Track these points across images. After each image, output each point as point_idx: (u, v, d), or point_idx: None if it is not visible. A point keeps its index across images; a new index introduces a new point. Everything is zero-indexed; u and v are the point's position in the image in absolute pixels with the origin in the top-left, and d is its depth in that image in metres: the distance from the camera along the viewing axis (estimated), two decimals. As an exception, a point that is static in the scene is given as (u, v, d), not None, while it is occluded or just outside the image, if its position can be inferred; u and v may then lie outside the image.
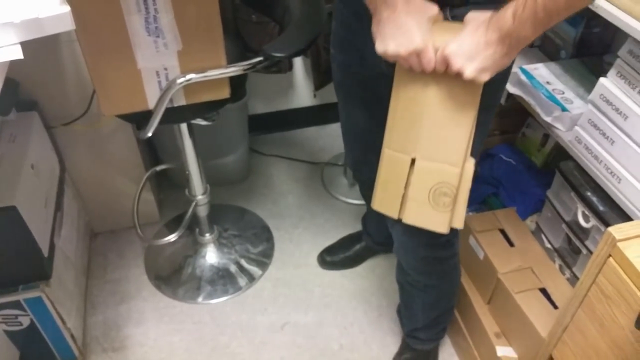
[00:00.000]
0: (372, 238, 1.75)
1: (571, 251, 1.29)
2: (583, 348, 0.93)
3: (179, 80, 1.13)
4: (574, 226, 1.27)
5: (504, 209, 1.44)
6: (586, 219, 1.22)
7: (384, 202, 1.01)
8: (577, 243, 1.26)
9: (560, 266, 1.33)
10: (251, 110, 2.21)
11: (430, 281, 1.26)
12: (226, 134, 1.95)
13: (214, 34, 1.10)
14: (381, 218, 1.63)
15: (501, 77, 0.93)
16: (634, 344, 0.81)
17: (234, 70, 1.17)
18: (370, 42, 1.02)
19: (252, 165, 2.18)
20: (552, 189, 1.34)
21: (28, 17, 0.87)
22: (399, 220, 1.03)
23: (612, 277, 0.84)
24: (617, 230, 0.84)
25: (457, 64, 0.83)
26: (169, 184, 2.03)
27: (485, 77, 0.84)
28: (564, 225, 1.30)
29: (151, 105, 1.17)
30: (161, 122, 1.21)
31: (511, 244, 1.35)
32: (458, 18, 0.91)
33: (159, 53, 1.09)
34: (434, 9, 0.87)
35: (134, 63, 1.09)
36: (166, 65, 1.12)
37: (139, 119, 1.24)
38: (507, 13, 0.79)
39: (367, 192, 1.56)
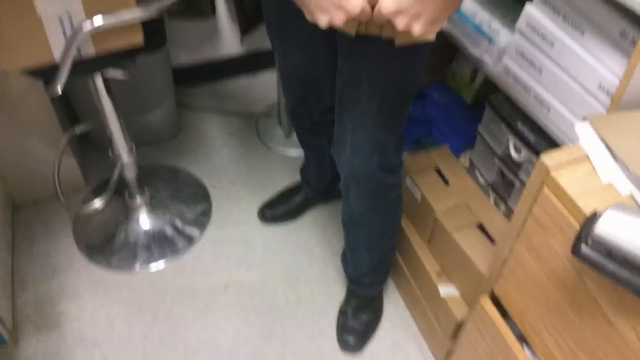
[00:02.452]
0: (312, 187, 1.72)
1: (505, 185, 1.30)
2: (523, 280, 0.93)
3: (86, 28, 1.03)
4: (506, 159, 1.27)
5: (438, 148, 1.43)
6: (518, 151, 1.22)
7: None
8: (511, 176, 1.27)
9: (495, 200, 1.34)
10: (175, 61, 2.09)
11: (376, 215, 1.24)
12: (149, 88, 1.84)
13: None
14: (321, 166, 1.61)
15: None
16: (570, 271, 0.82)
17: (145, 11, 1.07)
18: None
19: (182, 121, 2.08)
20: (483, 124, 1.34)
21: None
22: (347, 144, 1.05)
23: (546, 206, 0.83)
24: (549, 157, 0.83)
25: (400, 24, 0.73)
26: (92, 147, 1.92)
27: (436, 29, 0.75)
28: (496, 160, 1.30)
29: (56, 56, 1.07)
30: (71, 75, 1.11)
31: (446, 182, 1.34)
32: None
33: None
34: None
35: (33, 9, 0.99)
36: (69, 8, 1.01)
37: (47, 75, 1.13)
38: None
39: (305, 139, 1.53)
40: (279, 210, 1.77)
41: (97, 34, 1.06)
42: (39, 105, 1.56)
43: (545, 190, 0.83)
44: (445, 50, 1.58)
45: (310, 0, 0.77)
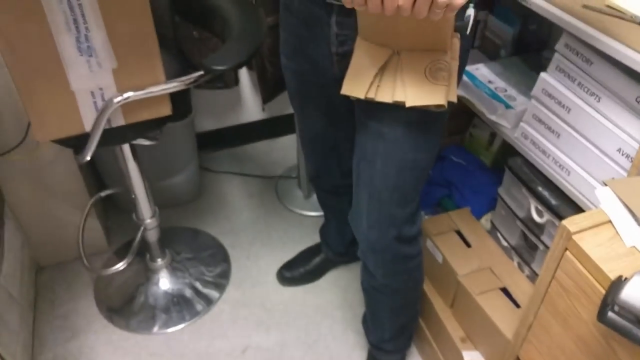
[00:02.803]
0: (332, 249, 1.72)
1: (528, 248, 1.29)
2: (549, 346, 0.91)
3: (116, 100, 1.08)
4: (528, 222, 1.27)
5: (459, 210, 1.44)
6: (540, 214, 1.22)
7: (354, 86, 0.94)
8: (533, 239, 1.26)
9: (519, 264, 1.33)
10: (199, 127, 2.16)
11: (396, 283, 1.23)
12: (173, 153, 1.88)
13: (150, 49, 1.06)
14: (341, 227, 1.62)
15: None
16: (598, 337, 0.80)
17: (174, 86, 1.12)
18: (320, 48, 1.01)
19: (204, 183, 2.12)
20: (503, 187, 1.35)
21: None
22: (364, 217, 1.05)
23: (570, 271, 0.83)
24: (571, 222, 0.83)
25: None
26: (116, 210, 1.95)
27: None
28: (518, 222, 1.30)
29: (87, 127, 1.11)
30: (100, 144, 1.14)
31: (468, 245, 1.34)
32: None
33: (93, 73, 1.04)
34: None
35: (67, 85, 1.03)
36: (101, 85, 1.06)
37: (77, 143, 1.18)
38: None
39: (326, 200, 1.54)
40: (298, 271, 1.76)
41: (127, 106, 1.10)
42: (67, 170, 1.60)
43: (568, 254, 0.83)
44: (463, 114, 1.61)
45: None
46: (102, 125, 1.11)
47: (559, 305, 0.87)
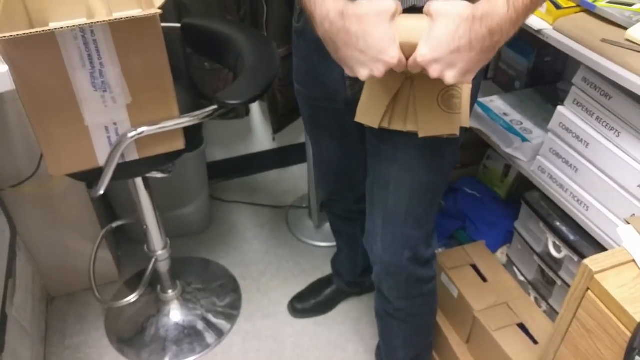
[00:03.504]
0: (343, 279, 1.70)
1: (545, 283, 1.27)
2: (569, 387, 0.89)
3: (130, 135, 1.08)
4: (545, 257, 1.25)
5: (473, 243, 1.42)
6: (557, 249, 1.21)
7: (368, 115, 0.95)
8: (551, 274, 1.24)
9: (536, 299, 1.31)
10: (210, 157, 2.16)
11: (411, 308, 1.21)
12: (184, 184, 1.88)
13: (164, 84, 1.06)
14: (353, 255, 1.61)
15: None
16: (622, 381, 0.78)
17: (188, 120, 1.12)
18: (332, 72, 1.01)
19: (214, 213, 2.12)
20: (520, 221, 1.33)
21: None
22: (378, 239, 1.06)
23: (592, 311, 0.81)
24: (593, 262, 0.82)
25: (435, 72, 0.73)
26: (127, 240, 1.95)
27: (469, 78, 0.76)
28: (535, 257, 1.29)
29: (101, 162, 1.11)
30: (114, 178, 1.14)
31: (484, 279, 1.32)
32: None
33: (107, 108, 1.04)
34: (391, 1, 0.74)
35: (81, 120, 1.04)
36: (115, 119, 1.06)
37: (90, 177, 1.18)
38: (498, 3, 0.70)
39: (339, 227, 1.54)
40: (309, 303, 1.74)
41: (141, 141, 1.11)
42: (79, 201, 1.61)
43: (591, 295, 0.81)
44: (476, 146, 1.61)
45: (350, 57, 0.77)
46: (116, 160, 1.11)
47: (581, 345, 0.86)
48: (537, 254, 1.28)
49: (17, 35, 0.87)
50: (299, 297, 1.76)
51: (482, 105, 1.40)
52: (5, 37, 0.85)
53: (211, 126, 2.06)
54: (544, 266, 1.26)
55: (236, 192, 2.23)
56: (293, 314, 1.74)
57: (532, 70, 1.47)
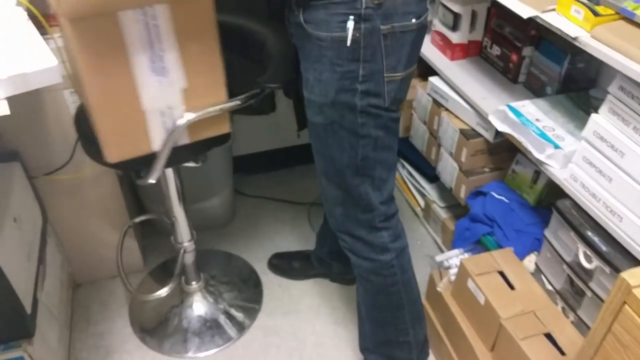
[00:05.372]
0: (315, 253, 1.81)
1: (574, 293, 1.26)
2: (600, 400, 0.88)
3: (188, 118, 1.10)
4: (575, 267, 1.24)
5: (501, 250, 1.41)
6: (588, 260, 1.19)
7: None
8: (580, 285, 1.23)
9: (564, 309, 1.30)
10: (235, 151, 2.17)
11: (366, 273, 1.29)
12: (211, 176, 1.90)
13: (216, 69, 1.08)
14: (325, 231, 1.66)
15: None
16: (658, 398, 0.77)
17: (236, 103, 1.14)
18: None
19: (237, 207, 2.13)
20: (550, 229, 1.32)
21: (15, 73, 0.83)
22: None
23: (629, 326, 0.80)
24: (631, 275, 0.81)
25: None
26: (152, 230, 1.97)
27: None
28: (564, 266, 1.27)
29: (155, 147, 1.12)
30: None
31: (511, 287, 1.31)
32: (310, 23, 1.01)
33: (164, 92, 1.05)
34: None
35: (139, 105, 1.05)
36: (171, 104, 1.08)
37: (138, 165, 1.19)
38: None
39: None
40: (283, 264, 1.89)
41: (192, 125, 1.12)
42: (109, 191, 1.63)
43: (627, 309, 0.80)
44: (507, 150, 1.60)
45: None
46: (172, 144, 1.12)
47: (614, 359, 0.85)
48: (566, 263, 1.27)
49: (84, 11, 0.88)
50: (279, 255, 1.91)
51: (513, 110, 1.39)
52: (73, 16, 0.87)
53: (237, 122, 2.07)
54: (573, 276, 1.25)
55: (259, 187, 2.24)
56: (268, 266, 1.90)
57: (565, 76, 1.45)
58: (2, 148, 1.43)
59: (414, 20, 1.03)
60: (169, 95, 1.06)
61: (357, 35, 1.00)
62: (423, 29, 1.08)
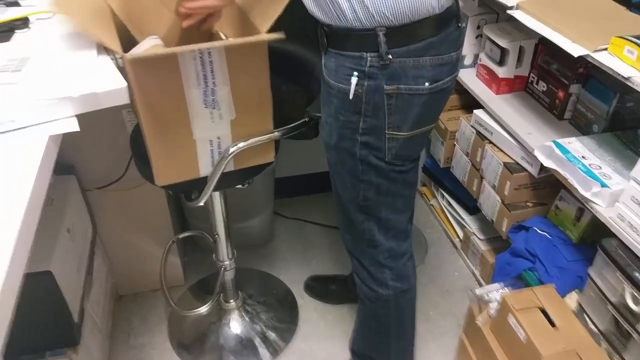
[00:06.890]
0: (348, 278, 1.81)
1: (620, 335, 1.24)
2: None
3: (236, 147, 1.15)
4: (621, 308, 1.22)
5: (543, 286, 1.40)
6: (636, 302, 1.17)
7: None
8: (627, 327, 1.21)
9: (608, 351, 1.27)
10: (276, 173, 2.21)
11: (363, 294, 1.35)
12: (253, 198, 1.94)
13: (264, 102, 1.13)
14: None
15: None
16: None
17: (282, 133, 1.19)
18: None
19: (276, 228, 2.16)
20: (594, 267, 1.31)
21: (86, 92, 0.88)
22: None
23: (679, 372, 0.79)
24: (682, 320, 0.80)
25: None
26: (193, 247, 2.01)
27: None
28: (609, 307, 1.26)
29: (202, 172, 1.18)
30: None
31: (552, 324, 1.30)
32: (326, 67, 1.05)
33: (214, 123, 1.11)
34: None
35: (190, 134, 1.11)
36: (220, 134, 1.13)
37: (188, 188, 1.25)
38: None
39: None
40: (319, 287, 1.90)
41: (239, 153, 1.17)
42: (156, 207, 1.68)
43: (679, 353, 0.79)
44: (551, 186, 1.59)
45: None
46: (221, 171, 1.17)
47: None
48: (611, 303, 1.25)
49: (146, 56, 0.94)
50: (316, 278, 1.94)
51: (560, 146, 1.39)
52: (134, 57, 0.92)
53: (280, 145, 2.11)
54: (618, 317, 1.23)
55: (298, 209, 2.27)
56: (304, 288, 1.92)
57: (612, 114, 1.45)
58: (59, 162, 1.50)
59: (426, 85, 1.01)
60: (219, 126, 1.11)
61: (360, 91, 1.01)
62: (440, 92, 1.05)
